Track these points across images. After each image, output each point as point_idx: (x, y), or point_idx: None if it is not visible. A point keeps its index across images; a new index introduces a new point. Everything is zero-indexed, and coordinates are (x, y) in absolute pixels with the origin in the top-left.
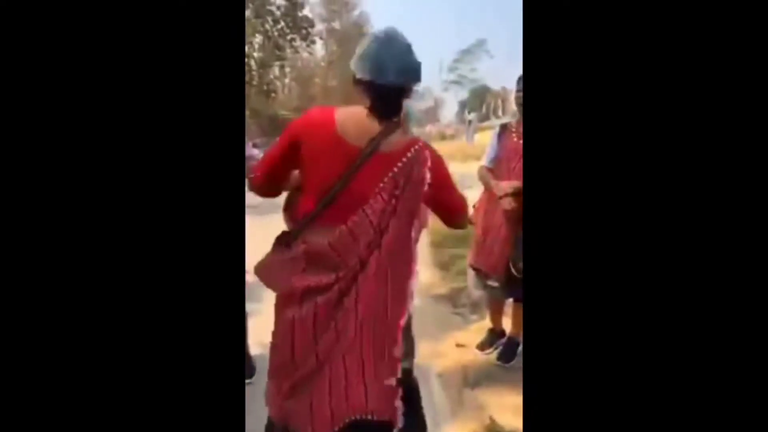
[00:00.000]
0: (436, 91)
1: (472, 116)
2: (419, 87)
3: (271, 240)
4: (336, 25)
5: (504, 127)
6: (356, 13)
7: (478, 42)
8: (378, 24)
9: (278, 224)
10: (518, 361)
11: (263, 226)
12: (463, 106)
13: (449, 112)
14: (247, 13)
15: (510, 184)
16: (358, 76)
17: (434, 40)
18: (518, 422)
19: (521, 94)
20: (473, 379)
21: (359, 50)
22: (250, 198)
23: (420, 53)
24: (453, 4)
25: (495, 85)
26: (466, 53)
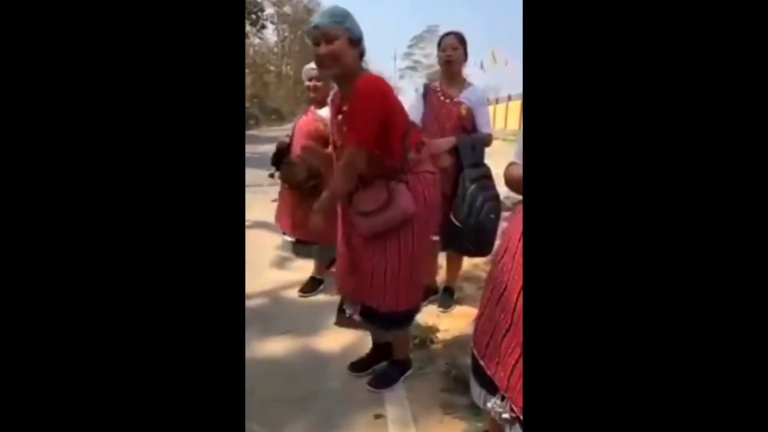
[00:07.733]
0: (393, 80)
1: None
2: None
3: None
4: (287, 9)
5: (427, 87)
6: None
7: (430, 28)
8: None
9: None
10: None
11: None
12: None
13: (406, 100)
14: None
15: (447, 141)
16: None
17: (386, 29)
18: None
19: (443, 53)
20: None
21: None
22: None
23: (374, 44)
24: None
25: None
26: (419, 39)
